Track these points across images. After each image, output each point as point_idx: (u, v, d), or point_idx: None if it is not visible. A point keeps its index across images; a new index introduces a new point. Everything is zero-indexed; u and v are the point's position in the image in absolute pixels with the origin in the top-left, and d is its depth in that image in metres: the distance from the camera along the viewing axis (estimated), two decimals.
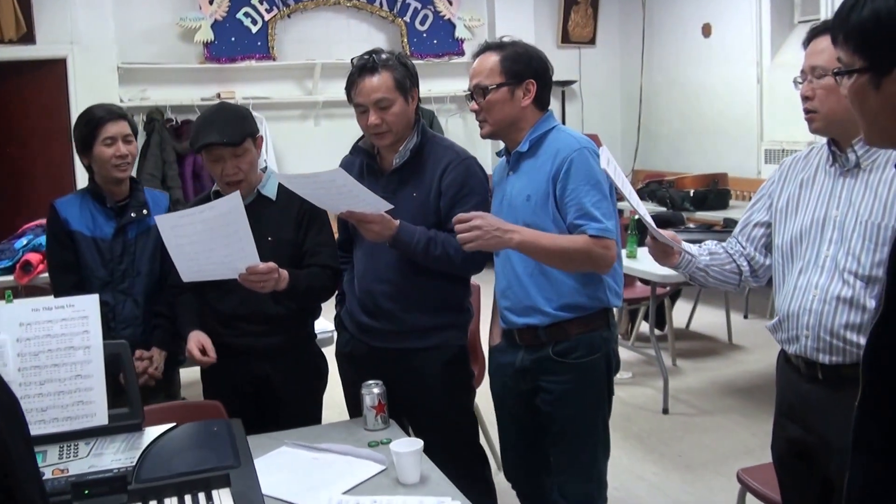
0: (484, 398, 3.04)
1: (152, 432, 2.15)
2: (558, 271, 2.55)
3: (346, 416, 2.88)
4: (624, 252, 4.95)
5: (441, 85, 8.27)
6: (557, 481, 2.72)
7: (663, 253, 2.35)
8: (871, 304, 2.00)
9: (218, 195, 2.82)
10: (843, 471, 2.03)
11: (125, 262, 2.95)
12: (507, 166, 2.70)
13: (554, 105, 2.82)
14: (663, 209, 6.88)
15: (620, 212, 7.29)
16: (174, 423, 2.21)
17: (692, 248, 2.37)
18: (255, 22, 7.92)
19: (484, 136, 2.72)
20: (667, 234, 2.31)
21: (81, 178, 7.20)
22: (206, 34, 7.73)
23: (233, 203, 2.47)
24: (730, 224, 6.04)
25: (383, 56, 2.71)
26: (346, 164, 2.83)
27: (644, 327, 5.80)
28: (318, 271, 2.80)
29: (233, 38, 7.84)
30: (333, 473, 2.24)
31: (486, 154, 7.48)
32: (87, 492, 1.89)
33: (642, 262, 4.85)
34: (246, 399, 2.78)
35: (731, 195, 7.18)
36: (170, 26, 7.72)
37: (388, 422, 2.55)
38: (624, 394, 5.17)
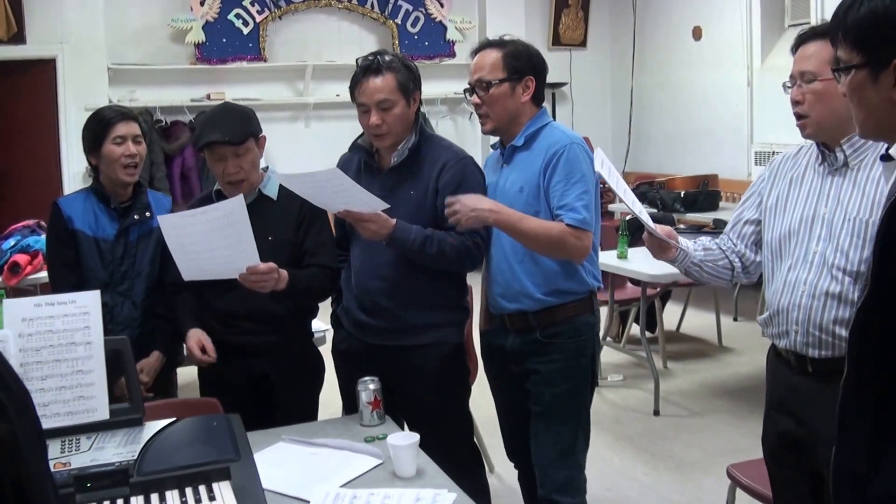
0: (477, 400, 3.05)
1: (153, 427, 2.17)
2: (545, 258, 2.69)
3: (342, 414, 2.89)
4: (615, 253, 4.99)
5: (432, 87, 8.26)
6: (539, 464, 2.80)
7: (660, 248, 2.40)
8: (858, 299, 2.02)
9: (220, 194, 2.85)
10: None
11: (126, 263, 2.95)
12: (501, 159, 2.81)
13: (545, 107, 2.87)
14: (654, 210, 6.90)
15: (611, 214, 7.35)
16: (174, 419, 2.23)
17: (688, 244, 2.42)
18: (246, 23, 7.91)
19: (486, 132, 2.83)
20: (663, 229, 2.36)
21: (69, 179, 7.20)
22: (197, 35, 7.72)
23: (236, 205, 2.50)
24: (719, 225, 6.07)
25: (388, 58, 2.74)
26: (345, 162, 2.86)
27: (635, 330, 5.82)
28: (318, 271, 2.82)
29: (224, 40, 7.83)
30: (331, 467, 2.27)
31: (477, 152, 7.51)
32: (89, 485, 1.91)
33: (633, 263, 4.88)
34: (243, 397, 2.79)
35: (721, 197, 7.22)
36: (161, 27, 7.71)
37: (383, 418, 2.57)
38: (615, 396, 5.19)
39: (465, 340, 2.95)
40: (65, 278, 2.92)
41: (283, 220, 2.82)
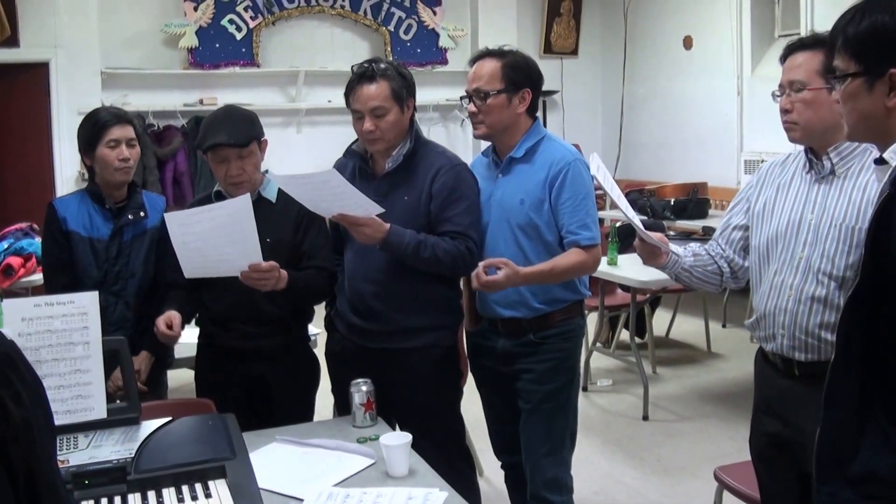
0: (468, 403, 3.08)
1: (149, 426, 2.21)
2: None
3: (334, 416, 2.92)
4: (605, 259, 5.02)
5: (424, 94, 8.25)
6: (529, 461, 2.87)
7: (651, 253, 2.44)
8: (843, 303, 2.07)
9: (219, 195, 2.88)
10: None
11: (119, 263, 2.98)
12: (496, 168, 2.87)
13: (538, 117, 2.93)
14: (644, 218, 6.95)
15: (601, 220, 7.39)
16: (170, 418, 2.26)
17: (678, 249, 2.47)
18: (239, 29, 7.93)
19: (477, 137, 2.90)
20: (654, 235, 2.40)
21: (61, 183, 7.20)
22: (190, 40, 7.73)
23: (242, 203, 2.54)
24: (708, 232, 6.11)
25: (382, 65, 2.77)
26: (339, 167, 2.89)
27: (625, 335, 5.85)
28: (315, 273, 2.85)
29: (217, 45, 7.84)
30: (324, 467, 2.30)
31: (469, 159, 7.51)
32: (87, 482, 1.94)
33: (623, 269, 4.93)
34: (239, 399, 2.81)
35: (710, 204, 7.27)
36: (154, 32, 7.72)
37: (376, 419, 2.60)
38: (604, 401, 5.22)
39: (456, 343, 2.98)
40: (57, 278, 2.95)
41: (282, 223, 2.85)
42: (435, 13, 8.62)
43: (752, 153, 7.65)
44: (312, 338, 3.23)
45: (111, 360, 2.29)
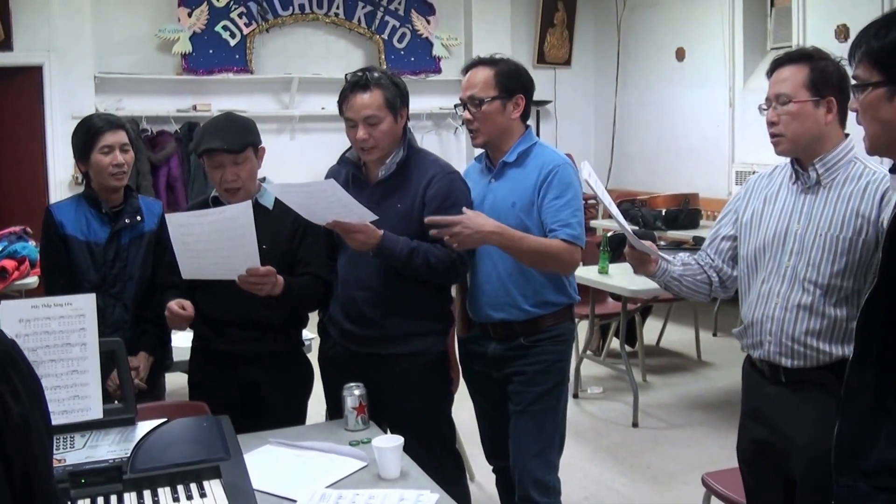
0: (459, 410, 3.10)
1: (145, 426, 2.22)
2: (535, 271, 2.80)
3: (326, 420, 2.93)
4: (596, 268, 5.06)
5: (418, 102, 8.29)
6: (517, 464, 2.89)
7: (641, 261, 2.49)
8: (829, 311, 2.16)
9: (217, 201, 2.90)
10: (804, 469, 2.18)
11: (117, 266, 3.00)
12: (489, 173, 2.91)
13: (530, 125, 2.96)
14: (635, 227, 6.99)
15: (593, 230, 7.42)
16: (165, 419, 2.28)
17: (667, 259, 2.50)
18: (233, 35, 7.96)
19: (476, 146, 2.94)
20: (644, 243, 2.45)
21: (55, 186, 7.20)
22: (184, 46, 7.75)
23: (244, 209, 2.58)
24: (699, 242, 6.12)
25: (376, 74, 2.79)
26: (333, 174, 2.92)
27: (616, 344, 5.88)
28: (311, 281, 2.87)
29: (211, 51, 7.87)
30: (317, 469, 2.32)
31: (462, 167, 7.54)
32: (83, 480, 1.96)
33: (613, 278, 4.96)
34: (232, 403, 2.82)
35: (701, 215, 7.31)
36: (148, 37, 7.74)
37: (368, 423, 2.62)
38: (595, 408, 5.25)
39: (447, 349, 3.00)
40: (56, 281, 2.98)
41: (278, 230, 2.87)
42: (429, 22, 8.67)
43: (743, 164, 7.70)
44: (307, 343, 3.25)
45: (109, 361, 2.30)
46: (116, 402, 2.39)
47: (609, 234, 5.34)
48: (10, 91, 7.25)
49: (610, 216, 2.46)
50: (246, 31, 8.00)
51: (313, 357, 3.12)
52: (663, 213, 7.09)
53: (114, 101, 7.51)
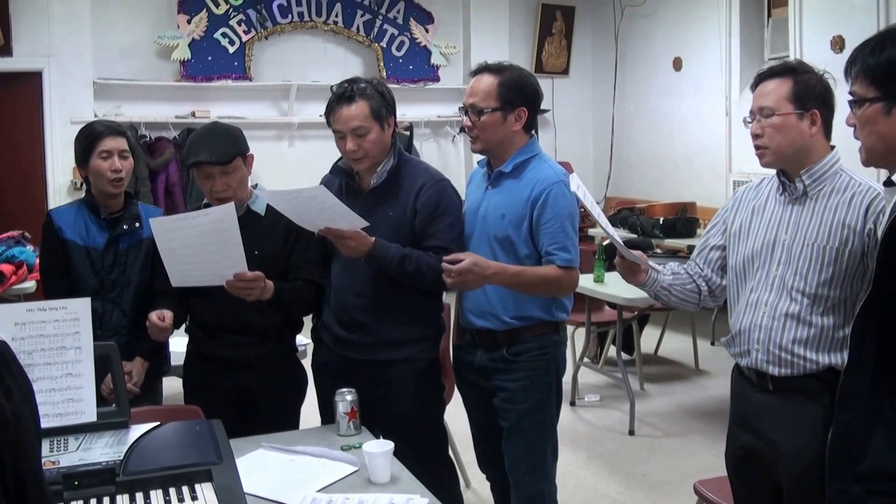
0: (454, 416, 3.10)
1: (138, 430, 2.24)
2: None
3: (319, 425, 2.93)
4: (591, 277, 5.06)
5: (416, 110, 8.36)
6: (512, 477, 2.89)
7: (630, 271, 2.51)
8: (816, 320, 2.19)
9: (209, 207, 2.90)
10: (791, 476, 2.20)
11: (115, 271, 3.02)
12: (487, 180, 2.89)
13: (535, 135, 2.96)
14: (633, 235, 7.01)
15: (591, 238, 7.42)
16: (158, 423, 2.30)
17: (657, 268, 2.51)
18: (232, 42, 7.98)
19: (475, 151, 2.92)
20: (634, 253, 2.47)
21: (53, 191, 7.21)
22: (183, 52, 7.78)
23: (226, 211, 2.58)
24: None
25: (361, 85, 2.80)
26: (326, 183, 2.93)
27: (613, 352, 5.88)
28: (302, 285, 2.89)
29: (210, 58, 7.89)
30: (308, 473, 2.33)
31: (461, 174, 7.57)
32: (77, 483, 1.97)
33: (609, 287, 4.96)
34: (225, 407, 2.83)
35: (699, 224, 7.31)
36: (147, 43, 7.76)
37: (359, 428, 2.64)
38: (591, 416, 5.25)
39: (440, 356, 3.01)
40: (55, 285, 3.00)
41: (270, 236, 2.89)
42: (427, 30, 8.69)
43: (740, 174, 7.71)
44: (301, 348, 3.26)
45: (103, 364, 2.31)
46: (113, 405, 2.40)
47: (605, 243, 5.35)
48: (9, 96, 7.27)
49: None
50: (245, 38, 8.02)
51: (307, 363, 3.13)
52: (661, 222, 7.11)
53: (113, 107, 7.53)
